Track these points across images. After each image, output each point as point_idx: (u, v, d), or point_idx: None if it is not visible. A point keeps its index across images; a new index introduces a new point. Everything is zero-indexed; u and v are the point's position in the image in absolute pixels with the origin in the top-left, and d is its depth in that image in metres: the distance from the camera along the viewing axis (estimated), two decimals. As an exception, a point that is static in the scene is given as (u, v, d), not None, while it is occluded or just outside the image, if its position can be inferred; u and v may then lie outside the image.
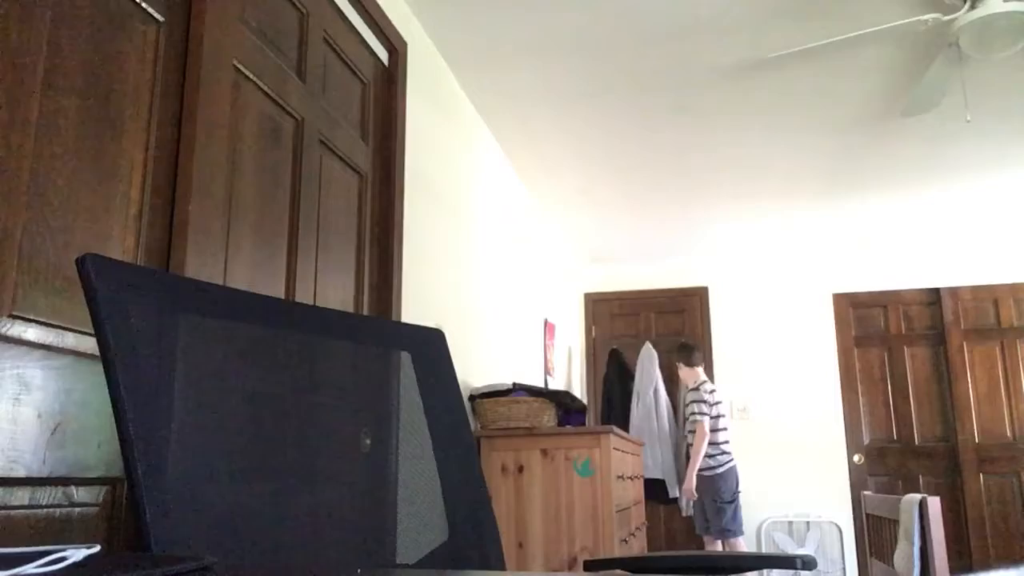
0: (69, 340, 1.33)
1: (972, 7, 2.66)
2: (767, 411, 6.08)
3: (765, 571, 5.31)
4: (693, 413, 4.93)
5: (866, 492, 4.86)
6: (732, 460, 4.95)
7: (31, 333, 1.27)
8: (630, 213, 5.35)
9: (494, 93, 3.61)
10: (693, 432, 4.94)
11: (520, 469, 3.06)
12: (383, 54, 2.72)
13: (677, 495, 5.60)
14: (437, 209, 3.16)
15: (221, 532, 0.97)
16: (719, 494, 4.81)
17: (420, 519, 1.27)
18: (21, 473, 1.22)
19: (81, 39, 1.41)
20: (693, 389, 5.02)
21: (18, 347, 1.24)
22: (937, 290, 5.99)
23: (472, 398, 3.28)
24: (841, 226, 5.63)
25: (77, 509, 1.33)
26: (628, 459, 3.61)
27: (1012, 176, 4.72)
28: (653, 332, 6.40)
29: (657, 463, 5.60)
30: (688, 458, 5.00)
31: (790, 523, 5.83)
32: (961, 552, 5.56)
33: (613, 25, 3.04)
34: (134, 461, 0.84)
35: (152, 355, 0.94)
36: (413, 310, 2.76)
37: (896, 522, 3.25)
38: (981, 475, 5.68)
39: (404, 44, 2.83)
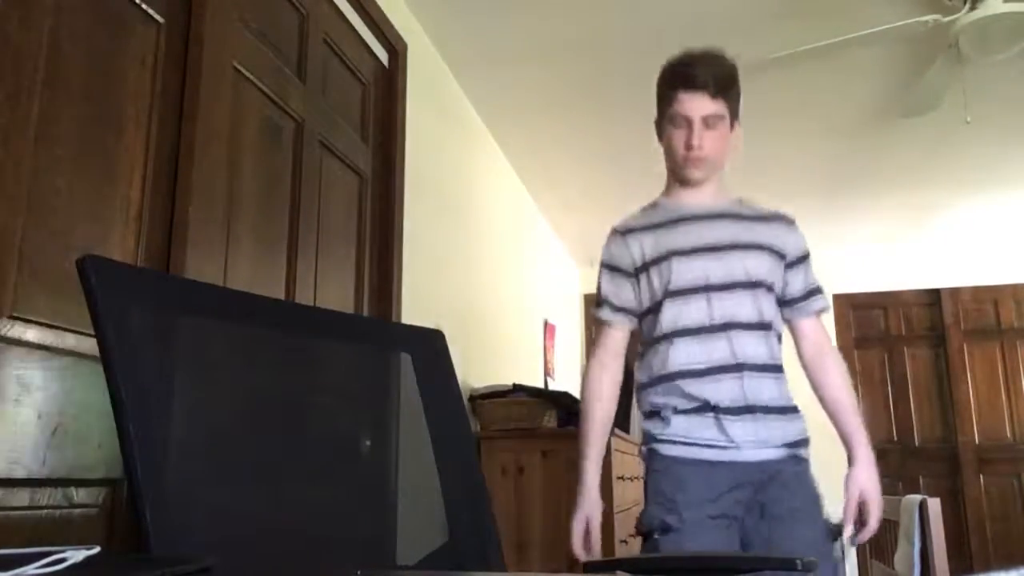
0: (69, 341, 1.33)
1: (972, 8, 2.66)
2: (767, 412, 6.07)
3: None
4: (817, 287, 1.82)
5: (866, 493, 4.85)
6: None
7: (31, 334, 1.27)
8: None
9: (494, 94, 3.60)
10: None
11: (520, 470, 3.06)
12: (383, 55, 2.72)
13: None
14: (437, 210, 3.16)
15: (221, 532, 0.97)
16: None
17: (420, 520, 1.27)
18: (21, 474, 1.22)
19: (81, 40, 1.41)
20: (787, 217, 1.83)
21: (18, 348, 1.24)
22: (937, 291, 5.99)
23: (472, 399, 3.27)
24: (841, 226, 5.62)
25: (77, 510, 1.33)
26: (628, 460, 3.61)
27: (1012, 177, 4.72)
28: (653, 333, 6.40)
29: (657, 464, 5.58)
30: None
31: (790, 524, 5.82)
32: (961, 553, 5.56)
33: (613, 27, 3.04)
34: (134, 461, 0.83)
35: (152, 356, 0.94)
36: (413, 310, 2.75)
37: (896, 523, 3.24)
38: (981, 476, 5.68)
39: (404, 45, 2.82)
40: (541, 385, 4.83)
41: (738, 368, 1.64)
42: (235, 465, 1.04)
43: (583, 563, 1.55)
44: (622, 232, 1.81)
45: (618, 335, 1.79)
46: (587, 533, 1.69)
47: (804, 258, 1.80)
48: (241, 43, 1.86)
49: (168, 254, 1.59)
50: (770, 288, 1.73)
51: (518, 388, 3.24)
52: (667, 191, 1.86)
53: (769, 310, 1.72)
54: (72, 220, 1.37)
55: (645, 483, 1.70)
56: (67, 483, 1.31)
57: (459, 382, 1.40)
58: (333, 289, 2.25)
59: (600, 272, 1.82)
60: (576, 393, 6.07)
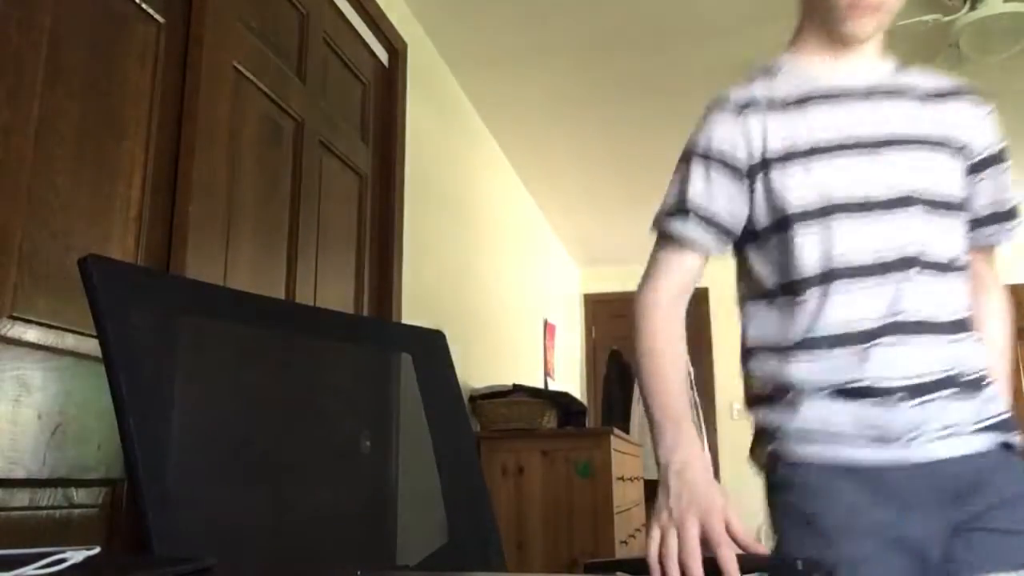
0: (69, 341, 1.33)
1: (972, 8, 2.67)
2: (767, 412, 6.06)
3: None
4: (1012, 207, 1.23)
5: (866, 493, 4.84)
6: None
7: (31, 334, 1.27)
8: (630, 214, 5.34)
9: (494, 94, 3.60)
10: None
11: (520, 470, 3.05)
12: (383, 55, 2.72)
13: None
14: (437, 210, 3.16)
15: (221, 532, 0.97)
16: None
17: (420, 520, 1.27)
18: (21, 474, 1.22)
19: (81, 40, 1.41)
20: (973, 92, 1.23)
21: (18, 348, 1.24)
22: (937, 291, 5.98)
23: (472, 399, 3.27)
24: (841, 227, 5.62)
25: (77, 510, 1.33)
26: (628, 460, 3.61)
27: (1012, 177, 4.72)
28: (653, 333, 6.39)
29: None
30: None
31: (790, 524, 5.81)
32: (961, 553, 5.55)
33: (614, 27, 3.04)
34: (135, 462, 0.83)
35: (152, 356, 0.94)
36: (413, 311, 2.75)
37: (896, 523, 3.24)
38: (981, 476, 5.67)
39: (404, 45, 2.82)
40: (541, 385, 4.83)
41: (917, 328, 1.03)
42: (236, 465, 1.04)
43: (584, 563, 1.54)
44: (739, 105, 1.15)
45: (697, 264, 1.15)
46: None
47: (997, 158, 1.20)
48: (241, 43, 1.86)
49: (168, 254, 1.59)
50: (959, 207, 1.12)
51: (518, 388, 3.24)
52: (800, 48, 1.24)
53: (959, 240, 1.10)
54: (72, 220, 1.36)
55: (771, 506, 1.09)
56: (67, 483, 1.31)
57: (459, 382, 1.40)
58: (333, 289, 2.25)
59: (687, 164, 1.16)
60: (576, 394, 6.02)
